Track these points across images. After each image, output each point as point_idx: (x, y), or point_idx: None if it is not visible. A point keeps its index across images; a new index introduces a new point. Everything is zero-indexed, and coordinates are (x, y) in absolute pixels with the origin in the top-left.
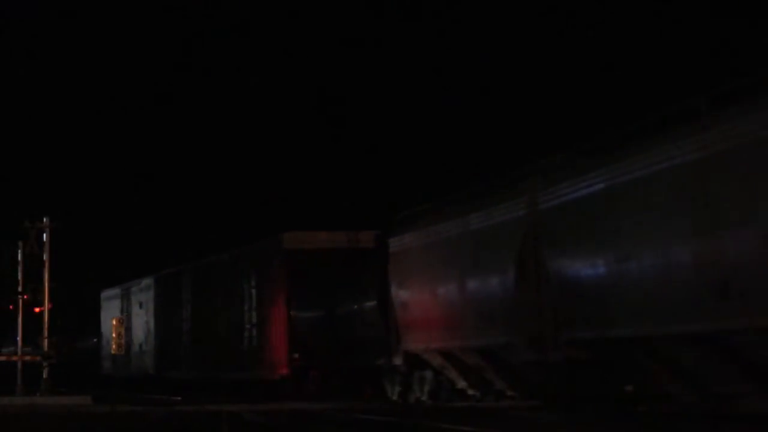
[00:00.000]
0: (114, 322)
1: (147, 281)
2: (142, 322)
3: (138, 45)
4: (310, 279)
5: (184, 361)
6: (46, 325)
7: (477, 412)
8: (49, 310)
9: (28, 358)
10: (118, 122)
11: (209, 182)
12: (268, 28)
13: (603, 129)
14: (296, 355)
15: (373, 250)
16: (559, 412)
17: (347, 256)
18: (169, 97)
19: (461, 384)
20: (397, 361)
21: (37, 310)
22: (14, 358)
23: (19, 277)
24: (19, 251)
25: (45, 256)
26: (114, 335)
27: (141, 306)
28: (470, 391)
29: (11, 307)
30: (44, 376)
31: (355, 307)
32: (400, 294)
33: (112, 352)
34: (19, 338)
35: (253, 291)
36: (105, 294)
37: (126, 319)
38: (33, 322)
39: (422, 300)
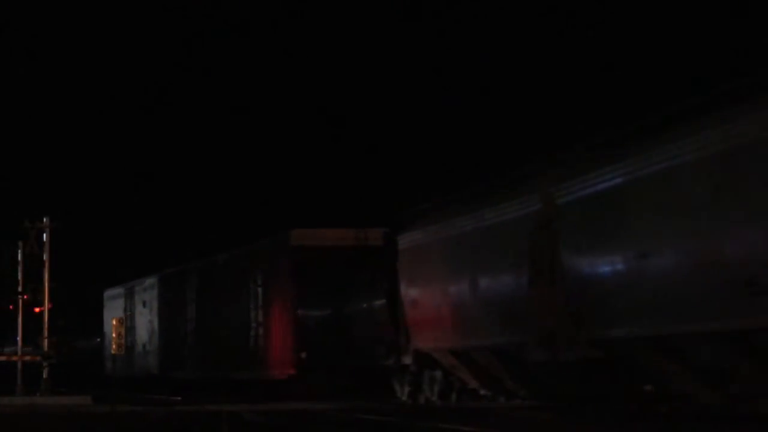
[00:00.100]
0: (114, 322)
1: (151, 280)
2: (146, 321)
3: (138, 45)
4: (317, 277)
5: (188, 361)
6: (46, 325)
7: (477, 412)
8: (50, 310)
9: (28, 358)
10: (118, 122)
11: (213, 180)
12: (269, 27)
13: (602, 129)
14: (303, 355)
15: (382, 248)
16: (566, 412)
17: (355, 253)
18: (170, 95)
19: (472, 384)
20: (407, 360)
21: (37, 310)
22: (14, 358)
23: (19, 277)
24: (19, 251)
25: (45, 256)
26: (114, 335)
27: (145, 305)
28: (481, 391)
29: (11, 307)
30: (44, 376)
31: (364, 305)
32: (409, 292)
33: (112, 352)
34: (19, 338)
35: (259, 289)
36: (108, 293)
37: (129, 319)
38: (33, 322)
39: (433, 298)
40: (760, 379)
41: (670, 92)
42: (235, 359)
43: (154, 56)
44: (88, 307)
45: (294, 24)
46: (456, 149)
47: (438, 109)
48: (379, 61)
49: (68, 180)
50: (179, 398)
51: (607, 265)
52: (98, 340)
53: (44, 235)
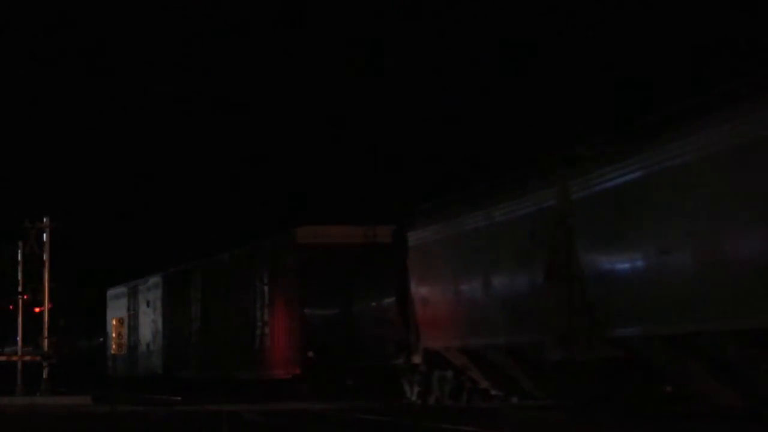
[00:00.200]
0: (114, 322)
1: (155, 279)
2: (150, 321)
3: (139, 43)
4: (324, 275)
5: (193, 361)
6: (46, 325)
7: (481, 413)
8: (50, 310)
9: (28, 358)
10: (119, 121)
11: (216, 179)
12: (270, 27)
13: (604, 128)
14: (310, 354)
15: (392, 245)
16: (574, 412)
17: (364, 251)
18: (171, 94)
19: (484, 384)
20: (417, 359)
21: (37, 310)
22: (14, 358)
23: (19, 277)
24: (19, 251)
25: (45, 256)
26: (114, 335)
27: (149, 304)
28: (493, 392)
29: (11, 307)
30: (44, 376)
31: (373, 303)
32: (420, 290)
33: (112, 352)
34: (19, 338)
35: (266, 288)
36: (111, 292)
37: (133, 318)
38: (33, 322)
39: (444, 296)
40: None
41: (670, 92)
42: (241, 359)
43: (156, 54)
44: (91, 307)
45: (295, 22)
46: (464, 147)
47: (445, 107)
48: (386, 58)
49: (68, 180)
50: (179, 398)
51: (625, 262)
52: (101, 339)
53: (44, 235)
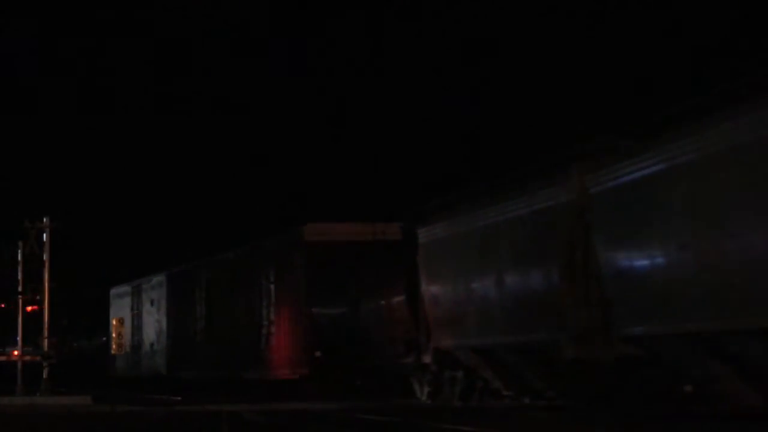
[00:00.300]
0: (114, 322)
1: (159, 278)
2: (153, 320)
3: (141, 42)
4: (332, 273)
5: (197, 361)
6: (46, 325)
7: (480, 413)
8: (51, 310)
9: (28, 358)
10: (120, 120)
11: (220, 177)
12: (275, 24)
13: (604, 128)
14: (317, 353)
15: (401, 242)
16: (581, 413)
17: (372, 248)
18: (172, 93)
19: (496, 384)
20: (427, 359)
21: (29, 309)
22: (14, 357)
23: (19, 277)
24: (19, 251)
25: (45, 256)
26: (114, 335)
27: (152, 304)
28: (505, 392)
29: (2, 306)
30: (44, 376)
31: (382, 302)
32: (430, 288)
33: (112, 352)
34: (19, 338)
35: (272, 286)
36: (114, 291)
37: (136, 318)
38: (33, 322)
39: (455, 294)
40: None
41: (671, 92)
42: (246, 359)
43: (157, 52)
44: (94, 306)
45: (305, 20)
46: (463, 146)
47: (454, 103)
48: (393, 54)
49: (68, 180)
50: (179, 398)
51: (645, 258)
52: (104, 339)
53: (44, 235)
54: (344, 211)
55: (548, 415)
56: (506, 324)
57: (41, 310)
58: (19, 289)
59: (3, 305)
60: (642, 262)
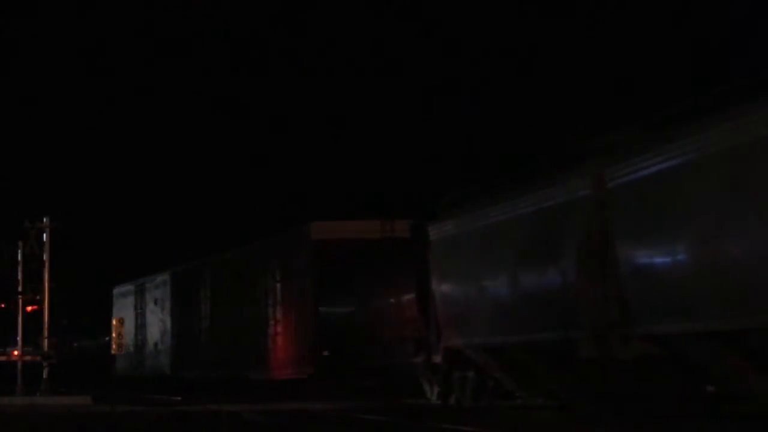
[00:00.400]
0: (114, 322)
1: (163, 277)
2: (157, 319)
3: (142, 40)
4: (340, 271)
5: (202, 361)
6: (46, 325)
7: (481, 413)
8: (51, 310)
9: (28, 358)
10: (120, 120)
11: (224, 175)
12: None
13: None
14: (325, 353)
15: (410, 239)
16: (588, 414)
17: (381, 246)
18: (173, 91)
19: (508, 384)
20: (437, 359)
21: (29, 309)
22: (14, 358)
23: (19, 277)
24: (19, 251)
25: (45, 256)
26: (114, 335)
27: (156, 303)
28: (518, 392)
29: (2, 306)
30: (44, 376)
31: (390, 300)
32: (441, 285)
33: (112, 352)
34: (19, 338)
35: (278, 285)
36: (117, 290)
37: (140, 317)
38: (34, 322)
39: (467, 292)
40: None
41: (673, 92)
42: (252, 358)
43: (156, 54)
44: (97, 306)
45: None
46: (481, 141)
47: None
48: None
49: (68, 180)
50: (179, 398)
51: (666, 253)
52: (107, 339)
53: (44, 235)
54: (348, 210)
55: (552, 415)
56: (519, 322)
57: (41, 310)
58: (19, 289)
59: (3, 305)
60: (664, 258)
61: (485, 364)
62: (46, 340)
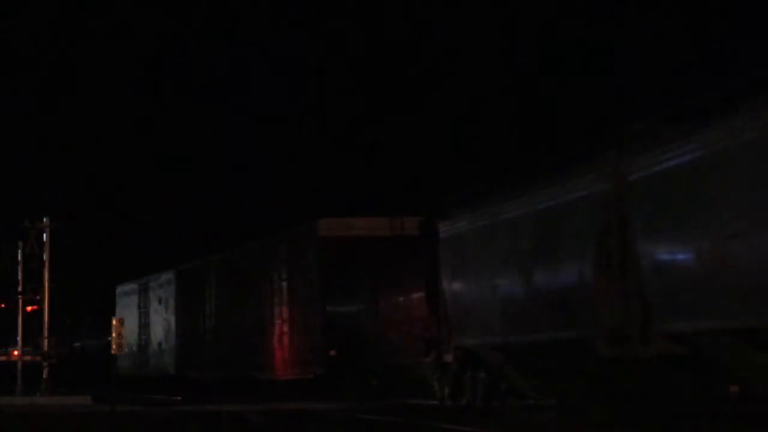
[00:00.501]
0: (114, 322)
1: (167, 276)
2: (162, 318)
3: (144, 38)
4: (348, 269)
5: (207, 361)
6: (46, 325)
7: (483, 413)
8: (51, 310)
9: (28, 358)
10: (123, 119)
11: (228, 172)
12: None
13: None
14: (333, 352)
15: (420, 237)
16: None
17: (390, 243)
18: (175, 90)
19: (521, 385)
20: (448, 358)
21: (29, 309)
22: (14, 358)
23: (20, 277)
24: (19, 251)
25: (45, 256)
26: (114, 335)
27: (160, 302)
28: (531, 393)
29: (11, 307)
30: (44, 376)
31: (400, 299)
32: (452, 284)
33: (112, 352)
34: (19, 338)
35: (284, 284)
36: (120, 289)
37: (144, 316)
38: (34, 322)
39: (478, 290)
40: None
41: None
42: (258, 358)
43: (158, 54)
44: (99, 305)
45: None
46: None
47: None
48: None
49: (68, 180)
50: (179, 398)
51: (688, 249)
52: (110, 338)
53: (44, 235)
54: (356, 207)
55: (557, 417)
56: (533, 321)
57: (41, 310)
58: (19, 289)
59: (3, 305)
60: (685, 254)
61: (498, 364)
62: (46, 340)
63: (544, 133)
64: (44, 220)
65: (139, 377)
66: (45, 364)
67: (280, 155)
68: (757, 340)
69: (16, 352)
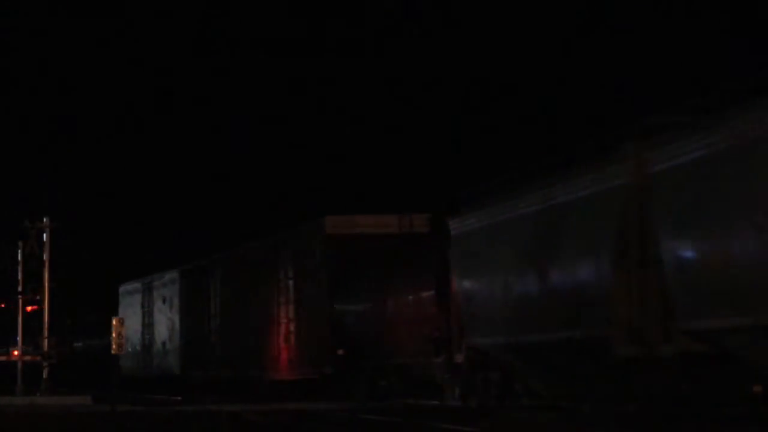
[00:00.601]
0: (114, 322)
1: (171, 275)
2: (166, 318)
3: (146, 37)
4: (356, 268)
5: (212, 361)
6: (46, 325)
7: (484, 414)
8: (54, 310)
9: (28, 358)
10: (122, 119)
11: (231, 170)
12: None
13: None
14: (340, 352)
15: (430, 234)
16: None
17: (399, 241)
18: (176, 90)
19: (535, 385)
20: (459, 358)
21: (29, 309)
22: (14, 357)
23: (20, 277)
24: (19, 251)
25: (45, 256)
26: (114, 335)
27: (164, 301)
28: (545, 393)
29: (11, 307)
30: (44, 376)
31: (409, 298)
32: (463, 282)
33: (112, 352)
34: (19, 338)
35: (291, 282)
36: (124, 288)
37: (147, 315)
38: (35, 322)
39: (490, 288)
40: None
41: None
42: (264, 358)
43: (162, 48)
44: (102, 304)
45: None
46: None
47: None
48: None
49: (70, 179)
50: (179, 398)
51: (713, 244)
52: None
53: (44, 235)
54: (363, 204)
55: (557, 416)
56: (549, 320)
57: (41, 310)
58: (19, 289)
59: (3, 305)
60: (709, 249)
61: (510, 363)
62: (46, 340)
63: (557, 128)
64: (44, 220)
65: (143, 377)
66: (45, 364)
67: (286, 151)
68: None
69: (16, 352)
